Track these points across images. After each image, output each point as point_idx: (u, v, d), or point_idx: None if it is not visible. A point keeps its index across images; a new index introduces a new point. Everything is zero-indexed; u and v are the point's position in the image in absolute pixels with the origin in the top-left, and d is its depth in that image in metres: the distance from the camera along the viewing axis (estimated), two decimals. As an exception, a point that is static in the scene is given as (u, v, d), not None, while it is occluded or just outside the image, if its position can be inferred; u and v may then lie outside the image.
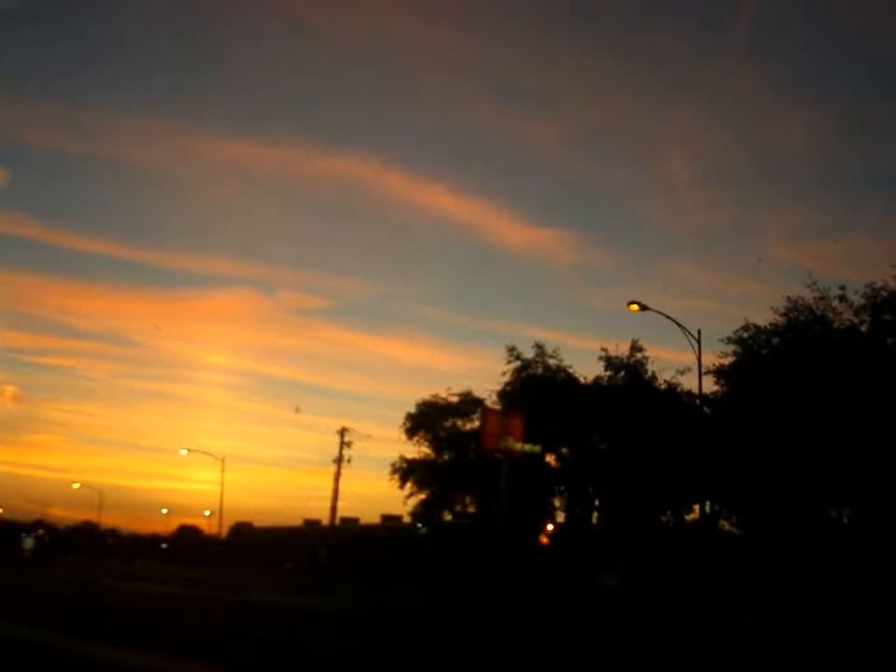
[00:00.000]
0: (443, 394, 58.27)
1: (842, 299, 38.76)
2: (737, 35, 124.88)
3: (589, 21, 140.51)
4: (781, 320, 40.07)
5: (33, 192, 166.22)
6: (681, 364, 49.23)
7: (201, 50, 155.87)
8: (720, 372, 42.11)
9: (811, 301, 39.15)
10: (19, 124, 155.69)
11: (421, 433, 58.36)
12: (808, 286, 39.11)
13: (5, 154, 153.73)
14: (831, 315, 39.07)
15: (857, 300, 38.37)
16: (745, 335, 41.34)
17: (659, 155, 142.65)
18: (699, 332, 35.79)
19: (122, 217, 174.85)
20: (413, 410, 58.67)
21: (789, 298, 39.78)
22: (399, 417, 58.95)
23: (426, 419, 58.11)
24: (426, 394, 59.10)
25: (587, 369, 58.01)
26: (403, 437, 58.19)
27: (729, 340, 41.55)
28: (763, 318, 41.46)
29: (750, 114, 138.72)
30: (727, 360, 41.96)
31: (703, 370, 37.07)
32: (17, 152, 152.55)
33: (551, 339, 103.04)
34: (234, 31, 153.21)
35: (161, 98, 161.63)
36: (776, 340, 40.41)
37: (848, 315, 38.80)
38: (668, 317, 35.56)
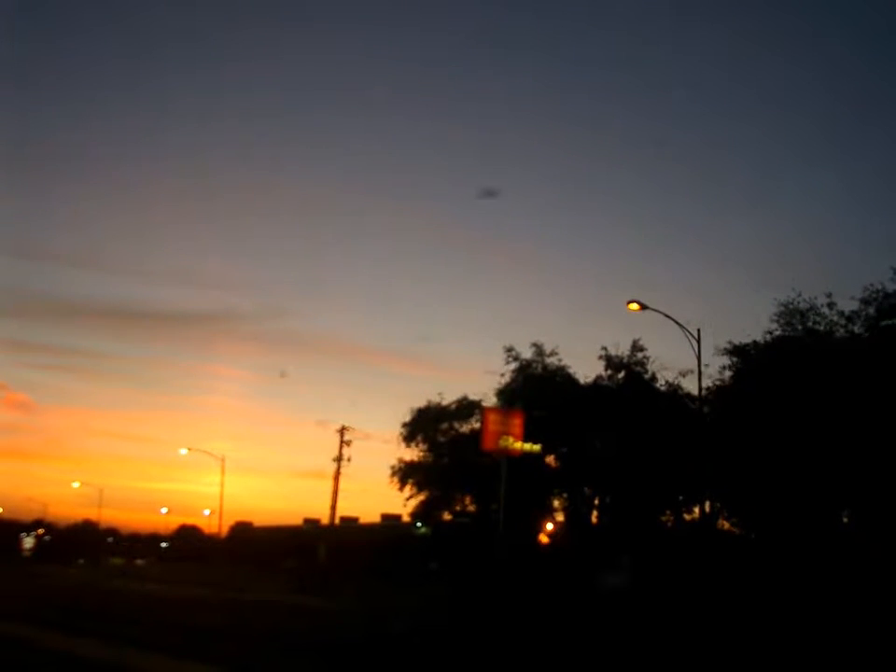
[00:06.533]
0: (436, 400, 58.12)
1: (830, 306, 38.80)
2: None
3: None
4: (777, 321, 40.05)
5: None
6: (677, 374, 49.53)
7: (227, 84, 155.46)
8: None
9: (802, 307, 39.18)
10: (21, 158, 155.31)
11: (419, 438, 58.26)
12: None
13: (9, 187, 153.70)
14: (821, 328, 39.05)
15: (849, 305, 38.33)
16: (742, 342, 41.36)
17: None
18: (699, 331, 35.78)
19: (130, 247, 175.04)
20: (408, 417, 58.39)
21: (780, 303, 39.75)
22: (397, 421, 58.81)
23: (422, 424, 57.98)
24: (418, 394, 58.80)
25: (586, 369, 57.59)
26: (401, 443, 58.13)
27: (725, 350, 41.52)
28: (755, 327, 41.50)
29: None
30: (726, 368, 41.95)
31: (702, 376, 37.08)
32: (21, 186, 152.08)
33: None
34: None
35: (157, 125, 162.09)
36: (774, 334, 40.36)
37: (841, 321, 38.77)
38: (668, 316, 35.53)
